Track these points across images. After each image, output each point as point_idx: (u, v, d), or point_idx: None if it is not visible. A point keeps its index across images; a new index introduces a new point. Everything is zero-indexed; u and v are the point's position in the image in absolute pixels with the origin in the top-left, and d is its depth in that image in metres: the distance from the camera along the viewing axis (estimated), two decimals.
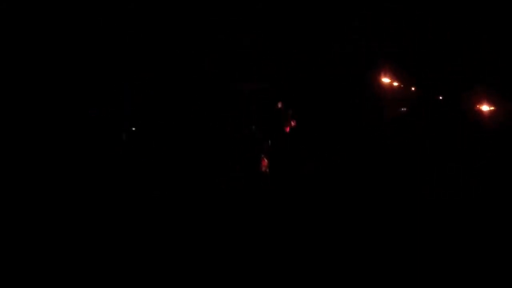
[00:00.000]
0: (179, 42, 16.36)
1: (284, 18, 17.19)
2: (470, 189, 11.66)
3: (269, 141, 13.45)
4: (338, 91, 17.55)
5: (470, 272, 7.23)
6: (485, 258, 7.64)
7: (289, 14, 17.24)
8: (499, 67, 20.55)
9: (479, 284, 6.98)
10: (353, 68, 18.03)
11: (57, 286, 6.88)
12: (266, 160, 12.91)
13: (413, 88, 22.68)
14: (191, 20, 16.34)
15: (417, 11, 19.10)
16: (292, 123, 14.24)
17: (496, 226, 9.15)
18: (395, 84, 21.51)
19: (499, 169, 13.35)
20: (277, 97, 14.91)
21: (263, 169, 12.84)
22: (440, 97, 22.40)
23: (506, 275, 7.14)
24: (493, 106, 22.21)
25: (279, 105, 14.46)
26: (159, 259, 7.62)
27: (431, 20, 19.45)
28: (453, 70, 21.07)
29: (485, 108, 22.38)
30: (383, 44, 19.02)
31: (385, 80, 20.71)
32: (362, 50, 18.33)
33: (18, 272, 7.10)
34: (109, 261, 7.52)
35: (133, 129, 14.95)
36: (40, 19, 14.20)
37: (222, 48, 16.89)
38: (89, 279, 6.98)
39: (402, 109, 21.23)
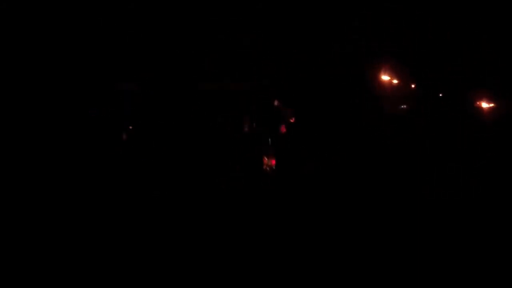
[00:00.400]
0: (179, 42, 16.35)
1: (284, 18, 17.17)
2: (470, 189, 11.66)
3: (269, 141, 13.44)
4: (338, 91, 17.53)
5: (470, 272, 7.22)
6: (485, 258, 7.64)
7: (289, 14, 17.23)
8: (499, 67, 20.54)
9: (479, 284, 6.98)
10: (353, 68, 18.01)
11: (57, 286, 6.88)
12: (266, 160, 12.91)
13: (413, 88, 22.67)
14: (191, 20, 16.33)
15: (417, 11, 19.09)
16: (291, 120, 14.23)
17: (496, 226, 9.15)
18: (395, 84, 21.49)
19: (499, 169, 13.35)
20: (277, 96, 14.91)
21: (263, 169, 12.84)
22: (440, 97, 22.39)
23: (506, 275, 7.14)
24: (493, 106, 22.20)
25: (276, 103, 14.45)
26: (159, 259, 7.62)
27: (431, 20, 19.44)
28: (453, 70, 21.06)
29: (485, 108, 22.38)
30: (383, 44, 19.01)
31: (385, 80, 20.69)
32: (362, 50, 18.31)
33: (18, 272, 7.10)
34: (109, 261, 7.52)
35: (133, 129, 14.95)
36: (40, 19, 14.19)
37: (222, 48, 16.88)
38: (89, 279, 6.98)
39: (402, 109, 21.22)
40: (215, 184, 12.02)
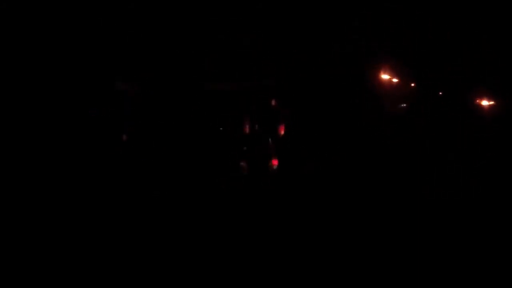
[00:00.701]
0: (179, 42, 16.35)
1: (284, 18, 17.18)
2: (470, 189, 11.66)
3: (270, 141, 13.45)
4: (338, 91, 17.53)
5: (470, 272, 7.22)
6: (485, 258, 7.64)
7: (289, 14, 17.24)
8: (499, 67, 20.56)
9: (479, 284, 6.98)
10: (353, 68, 18.02)
11: (57, 286, 6.88)
12: (266, 160, 12.91)
13: (413, 88, 22.68)
14: (191, 20, 16.33)
15: (417, 11, 19.10)
16: (291, 121, 14.23)
17: (496, 226, 9.15)
18: (395, 84, 21.51)
19: (499, 169, 13.35)
20: (277, 96, 14.91)
21: (263, 169, 12.84)
22: (440, 97, 22.40)
23: (506, 275, 7.14)
24: (493, 106, 22.22)
25: (276, 103, 14.45)
26: (159, 259, 7.62)
27: (431, 20, 19.46)
28: (453, 70, 21.09)
29: (485, 108, 22.39)
30: (383, 44, 19.02)
31: (385, 80, 20.70)
32: (362, 50, 18.33)
33: (18, 272, 7.10)
34: (109, 261, 7.52)
35: (133, 129, 14.95)
36: (40, 19, 14.19)
37: (222, 48, 16.89)
38: (89, 279, 6.98)
39: (402, 109, 21.24)
40: (215, 184, 12.02)
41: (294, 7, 17.30)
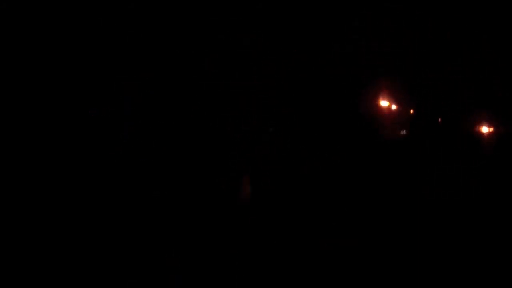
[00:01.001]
0: (179, 42, 16.34)
1: (284, 18, 17.17)
2: (470, 189, 11.66)
3: (269, 140, 13.44)
4: (338, 92, 17.53)
5: (470, 272, 7.22)
6: (485, 258, 7.64)
7: (289, 14, 17.23)
8: (499, 67, 20.56)
9: (479, 284, 6.98)
10: (353, 68, 18.01)
11: (57, 286, 6.88)
12: (266, 160, 12.91)
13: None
14: (191, 20, 16.32)
15: (417, 11, 19.10)
16: (289, 122, 14.24)
17: (496, 226, 9.15)
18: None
19: (499, 170, 13.35)
20: (277, 96, 14.90)
21: (263, 169, 12.84)
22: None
23: (506, 275, 7.14)
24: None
25: (274, 103, 14.45)
26: (159, 259, 7.63)
27: (431, 20, 19.45)
28: (453, 71, 21.08)
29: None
30: (383, 44, 19.01)
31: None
32: (362, 50, 18.32)
33: (18, 272, 7.10)
34: (109, 261, 7.52)
35: (133, 129, 14.93)
36: (40, 19, 14.18)
37: (222, 48, 16.87)
38: (89, 279, 6.98)
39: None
40: (215, 184, 12.02)
41: (294, 7, 17.29)
